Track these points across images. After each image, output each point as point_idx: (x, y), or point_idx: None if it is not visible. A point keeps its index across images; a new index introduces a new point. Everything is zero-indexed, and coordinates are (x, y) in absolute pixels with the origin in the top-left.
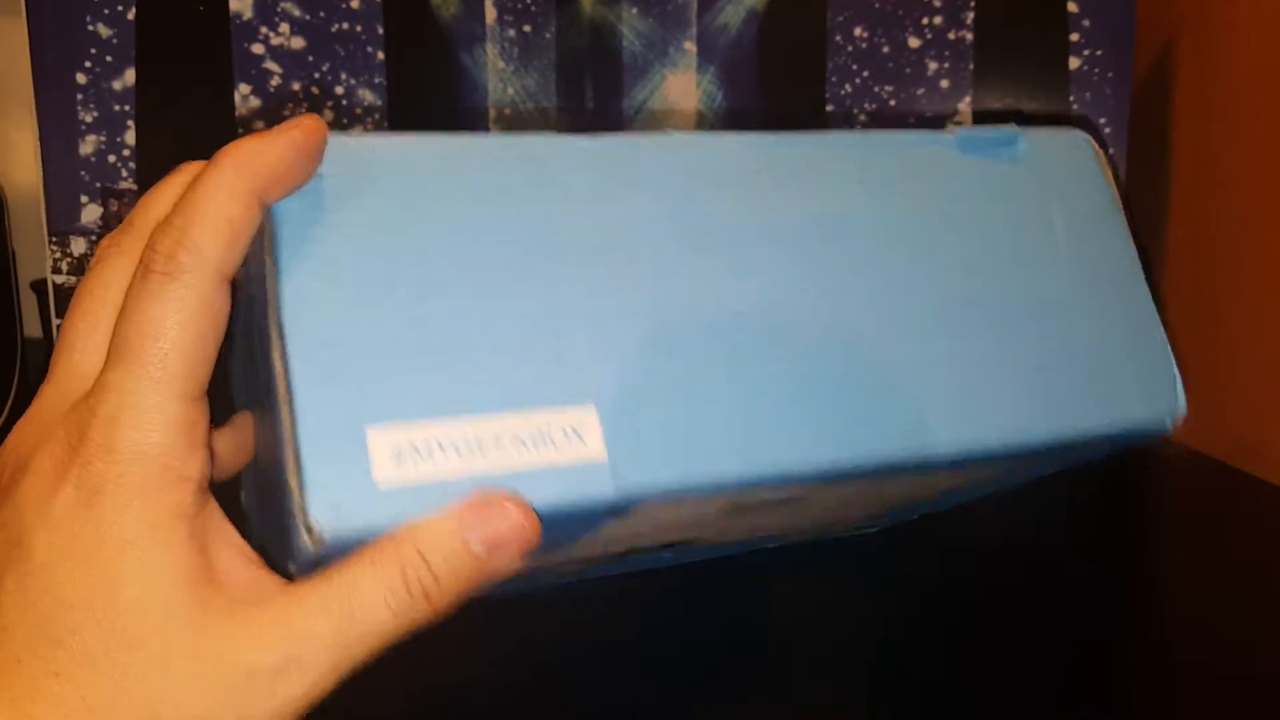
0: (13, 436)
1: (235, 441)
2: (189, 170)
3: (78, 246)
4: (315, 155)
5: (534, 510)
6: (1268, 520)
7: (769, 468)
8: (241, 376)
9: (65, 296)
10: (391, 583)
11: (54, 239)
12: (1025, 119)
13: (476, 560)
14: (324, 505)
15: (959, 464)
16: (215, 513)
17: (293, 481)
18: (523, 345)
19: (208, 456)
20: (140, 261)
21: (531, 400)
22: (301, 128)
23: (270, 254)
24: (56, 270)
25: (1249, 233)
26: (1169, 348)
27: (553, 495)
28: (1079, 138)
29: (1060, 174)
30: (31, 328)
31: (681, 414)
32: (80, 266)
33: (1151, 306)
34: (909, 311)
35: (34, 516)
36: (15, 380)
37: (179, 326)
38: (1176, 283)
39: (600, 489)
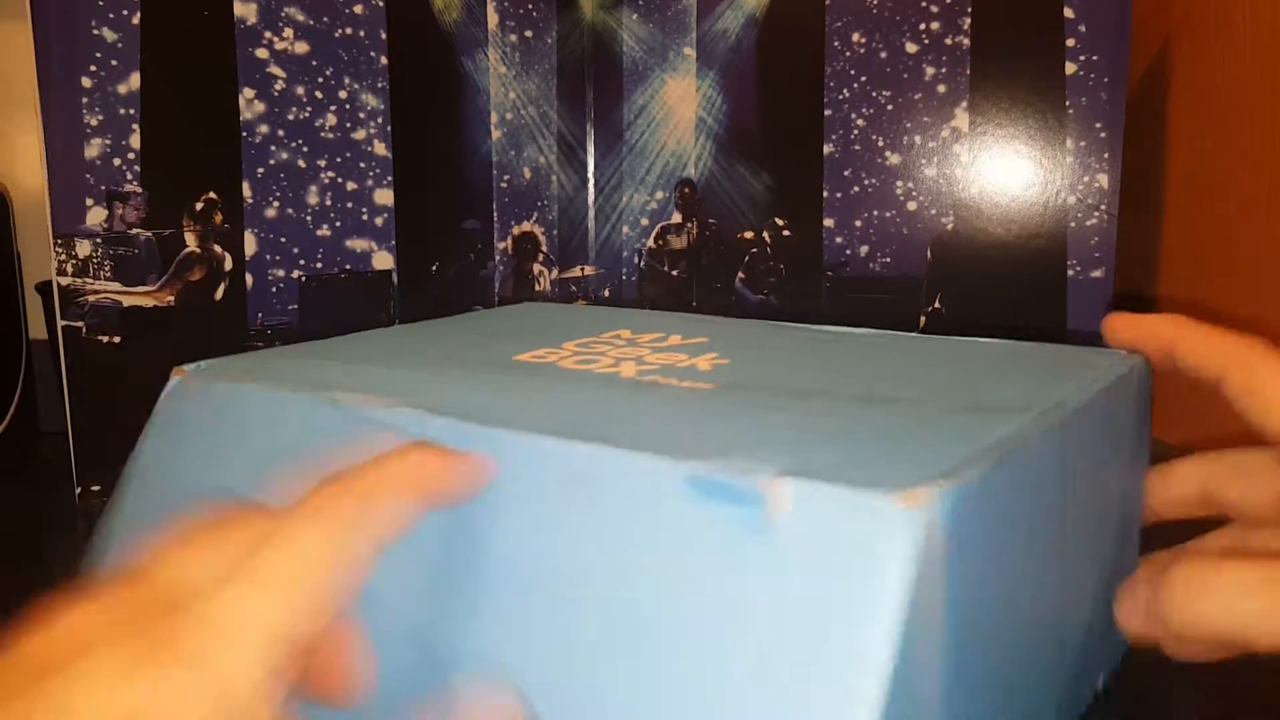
0: (70, 615)
1: None
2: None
3: (82, 249)
4: (478, 490)
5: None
6: None
7: None
8: None
9: (70, 298)
10: None
11: (59, 241)
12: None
13: None
14: None
15: None
16: None
17: None
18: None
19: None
20: (308, 501)
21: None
22: (485, 465)
23: None
24: (61, 272)
25: (1244, 236)
26: None
27: None
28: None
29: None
30: (36, 329)
31: None
32: (85, 268)
33: None
34: None
35: (91, 703)
36: (20, 382)
37: (327, 568)
38: (1171, 286)
39: None
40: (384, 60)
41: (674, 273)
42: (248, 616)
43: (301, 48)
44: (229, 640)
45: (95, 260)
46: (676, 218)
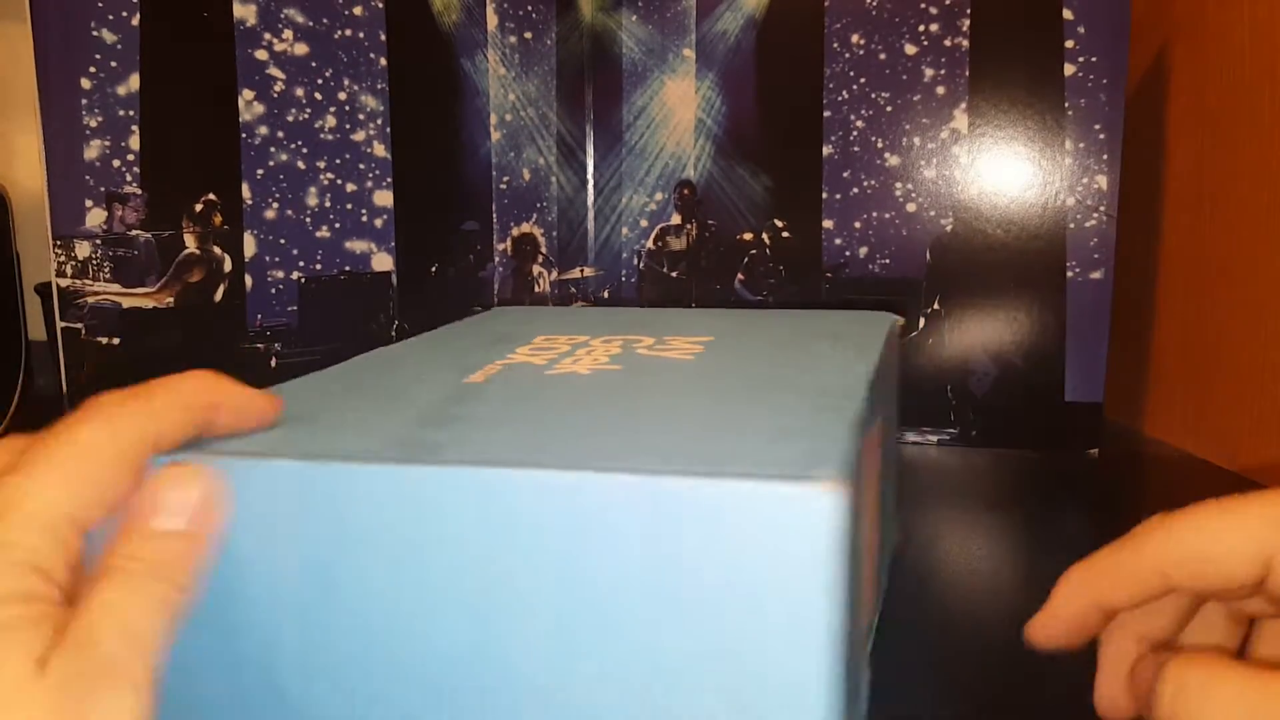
0: None
1: None
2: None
3: (82, 250)
4: (264, 425)
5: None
6: None
7: None
8: None
9: (69, 300)
10: (133, 588)
11: (58, 242)
12: None
13: (186, 537)
14: None
15: None
16: None
17: None
18: None
19: None
20: (93, 404)
21: None
22: (275, 404)
23: None
24: (60, 274)
25: (1241, 239)
26: None
27: None
28: None
29: None
30: (36, 330)
31: None
32: (84, 270)
33: None
34: None
35: None
36: (20, 383)
37: (106, 457)
38: (1169, 288)
39: None
40: (383, 62)
41: (673, 274)
42: (30, 497)
43: (301, 49)
44: (13, 519)
45: (94, 261)
46: (676, 219)
